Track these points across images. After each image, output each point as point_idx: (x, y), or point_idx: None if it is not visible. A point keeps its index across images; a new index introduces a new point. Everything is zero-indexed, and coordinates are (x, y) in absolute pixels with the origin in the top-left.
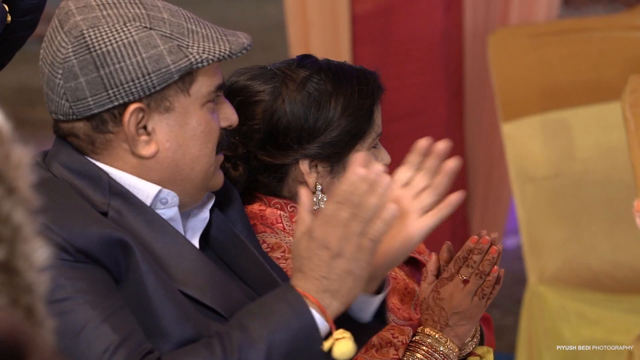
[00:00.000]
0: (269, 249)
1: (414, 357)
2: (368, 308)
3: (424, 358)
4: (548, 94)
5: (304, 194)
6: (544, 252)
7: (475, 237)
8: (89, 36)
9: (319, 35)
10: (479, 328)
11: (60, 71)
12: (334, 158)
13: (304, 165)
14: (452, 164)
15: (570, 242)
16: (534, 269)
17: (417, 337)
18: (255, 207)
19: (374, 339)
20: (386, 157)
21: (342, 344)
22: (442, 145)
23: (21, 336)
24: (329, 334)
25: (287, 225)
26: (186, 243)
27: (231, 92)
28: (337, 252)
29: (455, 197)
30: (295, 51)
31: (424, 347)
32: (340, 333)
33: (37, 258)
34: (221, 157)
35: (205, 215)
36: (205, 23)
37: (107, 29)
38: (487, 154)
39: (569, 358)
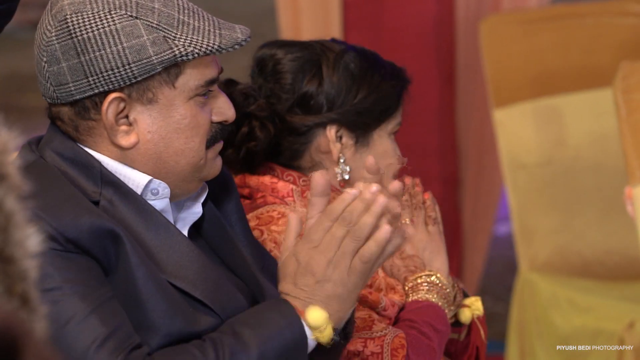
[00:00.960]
0: (279, 216)
1: (418, 295)
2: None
3: (428, 289)
4: (540, 80)
5: (292, 217)
6: (536, 239)
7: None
8: (72, 21)
9: (310, 22)
10: (457, 283)
11: (45, 54)
12: (360, 130)
13: (330, 132)
14: (380, 201)
15: (562, 230)
16: (525, 257)
17: (409, 286)
18: (267, 179)
19: (382, 283)
20: (399, 153)
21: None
22: (396, 185)
23: (16, 328)
24: None
25: (297, 199)
26: (178, 234)
27: (262, 60)
28: (322, 277)
29: (383, 232)
30: (285, 37)
31: (422, 286)
32: None
33: (30, 245)
34: (219, 146)
35: (198, 209)
36: (201, 15)
37: (90, 15)
38: (479, 141)
39: (560, 342)
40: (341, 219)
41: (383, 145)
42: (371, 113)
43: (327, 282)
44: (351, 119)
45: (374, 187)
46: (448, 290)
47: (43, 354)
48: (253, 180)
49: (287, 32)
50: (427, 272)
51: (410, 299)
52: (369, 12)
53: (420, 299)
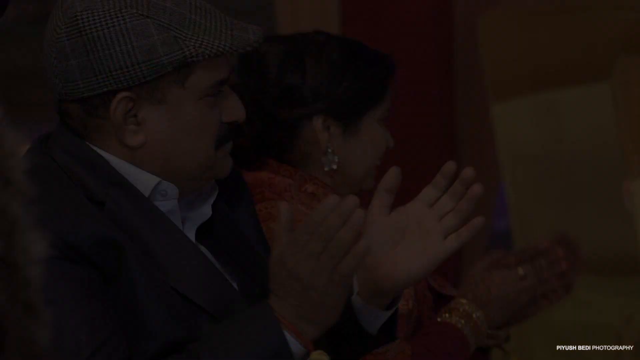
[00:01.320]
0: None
1: (457, 318)
2: (376, 322)
3: (459, 319)
4: (538, 75)
5: (283, 207)
6: (534, 233)
7: (549, 241)
8: (82, 19)
9: (308, 13)
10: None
11: (54, 50)
12: (348, 119)
13: (317, 122)
14: (477, 190)
15: (560, 224)
16: None
17: (456, 304)
18: (264, 175)
19: None
20: (391, 141)
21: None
22: (469, 172)
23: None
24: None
25: (295, 194)
26: (183, 238)
27: (246, 55)
28: (308, 284)
29: (477, 222)
30: (283, 29)
31: (462, 312)
32: (317, 354)
33: (34, 251)
34: (229, 146)
35: (207, 210)
36: (214, 14)
37: (100, 13)
38: (477, 135)
39: (558, 336)
40: (317, 235)
41: (372, 132)
42: (357, 101)
43: (312, 290)
44: (337, 108)
45: (353, 199)
46: (482, 335)
47: (29, 348)
48: (249, 176)
49: (284, 24)
50: (479, 313)
51: (445, 319)
52: (367, 5)
53: (457, 328)
